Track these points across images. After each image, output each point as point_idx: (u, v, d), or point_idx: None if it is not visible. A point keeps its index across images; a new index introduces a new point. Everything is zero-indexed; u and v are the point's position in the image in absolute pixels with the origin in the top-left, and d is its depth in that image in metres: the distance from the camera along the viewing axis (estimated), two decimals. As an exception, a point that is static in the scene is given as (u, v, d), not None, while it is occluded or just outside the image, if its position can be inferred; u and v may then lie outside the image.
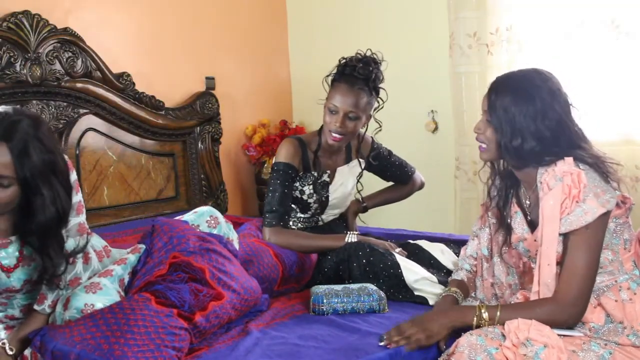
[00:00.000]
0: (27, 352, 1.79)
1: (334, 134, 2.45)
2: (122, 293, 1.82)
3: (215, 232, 2.09)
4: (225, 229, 2.13)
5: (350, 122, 2.43)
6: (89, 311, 1.71)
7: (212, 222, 2.12)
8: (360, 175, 2.67)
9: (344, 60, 2.46)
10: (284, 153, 2.50)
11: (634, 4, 2.85)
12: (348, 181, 2.63)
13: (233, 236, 2.15)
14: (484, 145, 1.85)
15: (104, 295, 1.76)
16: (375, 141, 2.71)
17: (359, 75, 2.41)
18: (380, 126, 2.56)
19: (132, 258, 1.92)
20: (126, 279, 1.87)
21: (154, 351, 1.59)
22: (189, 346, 1.71)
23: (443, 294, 2.00)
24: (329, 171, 2.58)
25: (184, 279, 1.83)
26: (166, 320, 1.67)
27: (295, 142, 2.53)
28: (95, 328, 1.59)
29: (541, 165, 1.77)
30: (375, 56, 2.47)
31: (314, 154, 2.55)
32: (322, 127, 2.54)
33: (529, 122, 1.73)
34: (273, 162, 2.55)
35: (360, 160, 2.66)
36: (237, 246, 2.13)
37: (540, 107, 1.73)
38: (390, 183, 2.86)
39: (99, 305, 1.72)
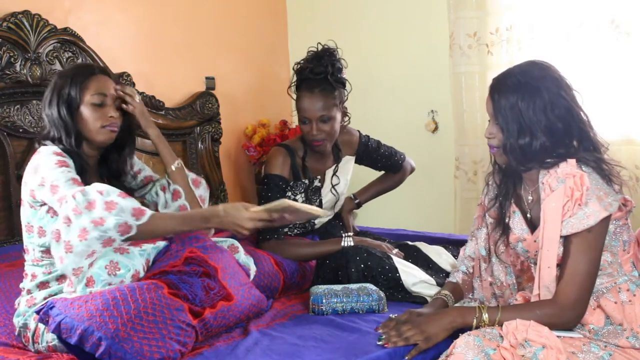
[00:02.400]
0: (31, 328, 1.83)
1: (314, 142, 2.43)
2: (142, 273, 1.83)
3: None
4: (244, 258, 2.14)
5: (325, 125, 2.41)
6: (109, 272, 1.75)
7: (232, 250, 2.14)
8: (337, 169, 2.61)
9: (299, 66, 2.42)
10: (274, 164, 2.47)
11: (634, 4, 2.85)
12: (339, 181, 2.61)
13: (251, 266, 2.15)
14: (496, 149, 1.80)
15: (128, 258, 1.79)
16: (362, 134, 2.68)
17: (315, 77, 2.37)
18: (349, 117, 2.54)
19: (161, 244, 1.95)
20: (151, 261, 1.90)
21: (159, 341, 1.61)
22: (193, 343, 1.72)
23: (434, 297, 2.01)
24: (319, 176, 2.56)
25: (198, 273, 1.85)
26: (176, 313, 1.69)
27: (283, 151, 2.50)
28: (105, 307, 1.61)
29: (543, 167, 1.75)
30: (326, 46, 2.42)
31: (302, 160, 2.52)
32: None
33: (539, 115, 1.69)
34: (263, 173, 2.51)
35: (349, 157, 2.63)
36: (251, 276, 2.12)
37: (547, 97, 1.70)
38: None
39: (122, 272, 1.76)
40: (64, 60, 3.01)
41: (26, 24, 2.88)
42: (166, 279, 1.78)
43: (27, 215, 1.92)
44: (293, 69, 2.44)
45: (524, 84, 1.72)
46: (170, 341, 1.63)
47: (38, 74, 2.91)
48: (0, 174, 2.89)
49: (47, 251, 1.87)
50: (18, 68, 2.86)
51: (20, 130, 2.90)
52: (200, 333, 1.74)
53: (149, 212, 1.78)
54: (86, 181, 1.90)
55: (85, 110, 1.98)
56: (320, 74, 2.37)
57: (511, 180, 1.88)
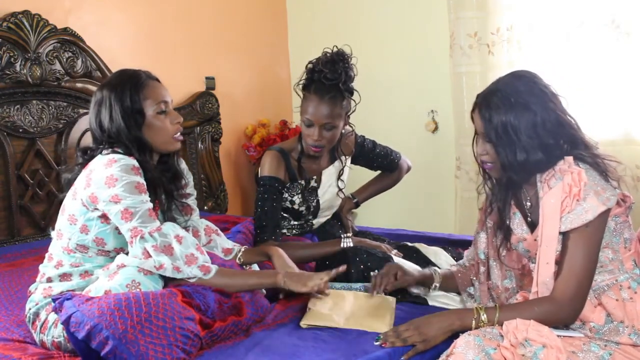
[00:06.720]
0: (41, 318, 1.83)
1: (313, 147, 2.40)
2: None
3: None
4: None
5: (328, 132, 2.37)
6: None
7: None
8: (342, 173, 2.60)
9: (311, 65, 2.36)
10: (268, 167, 2.45)
11: (634, 4, 2.85)
12: (344, 185, 2.60)
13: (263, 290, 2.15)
14: (490, 165, 1.80)
15: (151, 280, 1.80)
16: (358, 135, 2.66)
17: (327, 82, 2.31)
18: (353, 130, 2.54)
19: None
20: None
21: (165, 347, 1.61)
22: (197, 351, 1.72)
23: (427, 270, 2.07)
24: (315, 176, 2.55)
25: (212, 289, 1.86)
26: (185, 322, 1.69)
27: (277, 154, 2.47)
28: (117, 307, 1.62)
29: (542, 171, 1.76)
30: (342, 51, 2.35)
31: (298, 162, 2.50)
32: (301, 133, 2.47)
33: (532, 134, 1.70)
34: (259, 175, 2.50)
35: (344, 158, 2.60)
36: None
37: (538, 114, 1.70)
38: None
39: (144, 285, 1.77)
40: (64, 60, 3.02)
41: (26, 24, 2.88)
42: (181, 287, 1.79)
43: (74, 208, 1.87)
44: (306, 67, 2.37)
45: (514, 103, 1.71)
46: (176, 348, 1.63)
47: (38, 74, 2.91)
48: (0, 174, 2.89)
49: (83, 247, 1.87)
50: (18, 68, 2.87)
51: (20, 130, 2.91)
52: (205, 343, 1.75)
53: (213, 270, 1.84)
54: (153, 191, 1.90)
55: (153, 122, 1.90)
56: (333, 80, 2.32)
57: (509, 184, 1.87)
